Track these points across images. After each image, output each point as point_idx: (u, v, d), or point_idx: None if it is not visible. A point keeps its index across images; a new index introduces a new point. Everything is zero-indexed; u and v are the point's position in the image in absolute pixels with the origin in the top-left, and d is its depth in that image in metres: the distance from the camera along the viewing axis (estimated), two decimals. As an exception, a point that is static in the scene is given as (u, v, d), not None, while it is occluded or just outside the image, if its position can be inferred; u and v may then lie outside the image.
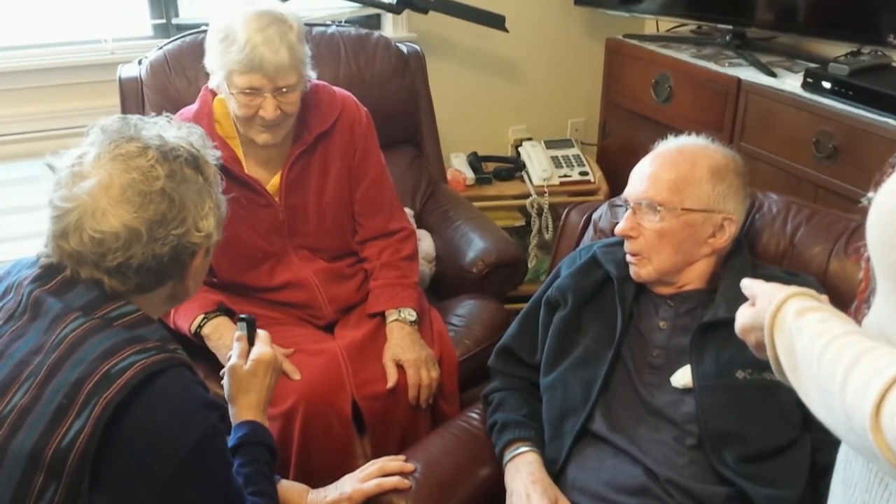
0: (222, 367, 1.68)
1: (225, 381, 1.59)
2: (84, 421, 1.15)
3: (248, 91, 1.92)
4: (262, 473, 1.48)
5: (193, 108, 2.10)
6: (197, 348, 1.97)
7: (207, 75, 2.42)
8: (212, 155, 1.41)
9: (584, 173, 3.27)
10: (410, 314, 2.12)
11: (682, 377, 1.62)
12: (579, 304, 1.78)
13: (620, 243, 1.77)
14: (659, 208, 1.68)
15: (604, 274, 1.79)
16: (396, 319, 2.11)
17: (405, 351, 2.04)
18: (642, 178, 1.72)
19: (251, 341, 1.62)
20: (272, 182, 2.10)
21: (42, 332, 1.24)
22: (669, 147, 1.76)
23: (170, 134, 1.35)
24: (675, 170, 1.70)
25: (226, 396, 1.57)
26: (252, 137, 2.01)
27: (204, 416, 1.25)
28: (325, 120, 2.10)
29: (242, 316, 1.64)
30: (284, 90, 1.93)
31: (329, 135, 2.12)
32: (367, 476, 1.68)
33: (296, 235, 2.15)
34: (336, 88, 2.19)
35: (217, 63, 1.96)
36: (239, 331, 1.63)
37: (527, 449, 1.71)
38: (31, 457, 1.15)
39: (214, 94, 2.08)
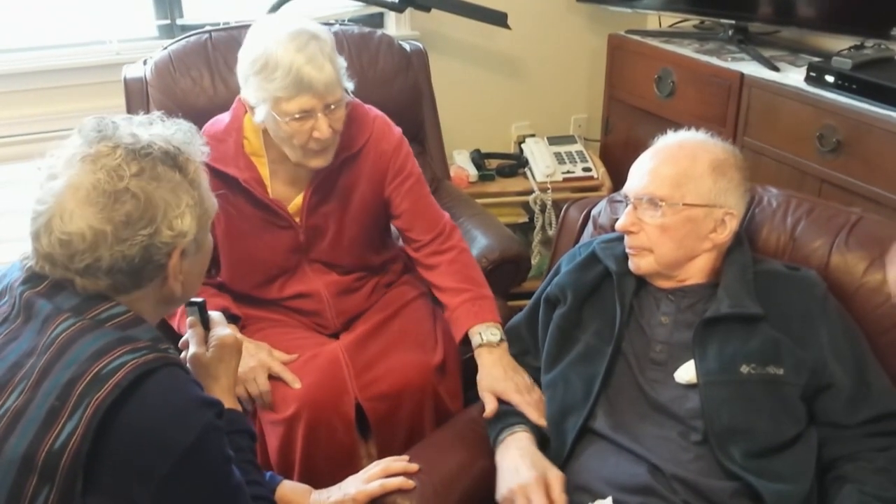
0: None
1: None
2: (76, 422, 1.14)
3: (299, 116, 1.81)
4: (247, 461, 1.47)
5: (225, 120, 2.02)
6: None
7: (211, 74, 2.45)
8: (199, 152, 1.36)
9: (588, 169, 3.27)
10: (494, 334, 1.94)
11: (686, 373, 1.62)
12: (579, 300, 1.78)
13: (620, 238, 1.77)
14: (660, 203, 1.67)
15: (603, 269, 1.79)
16: (482, 344, 1.94)
17: (498, 381, 1.85)
18: (643, 173, 1.72)
19: (205, 325, 1.57)
20: (295, 201, 2.03)
21: (35, 333, 1.23)
22: (669, 142, 1.76)
23: (149, 131, 1.31)
24: (676, 165, 1.69)
25: None
26: (305, 164, 1.92)
27: (200, 414, 1.23)
28: (353, 143, 2.01)
29: (192, 300, 1.54)
30: (333, 107, 1.84)
31: (357, 157, 2.02)
32: (370, 477, 1.66)
33: (312, 251, 2.10)
34: (368, 107, 2.09)
35: (259, 95, 1.84)
36: (190, 315, 1.56)
37: (520, 430, 1.72)
38: (24, 460, 1.14)
39: (246, 109, 1.97)
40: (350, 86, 1.95)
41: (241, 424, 1.52)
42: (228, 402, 1.52)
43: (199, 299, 1.56)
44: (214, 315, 1.59)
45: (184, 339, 1.57)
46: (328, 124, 1.84)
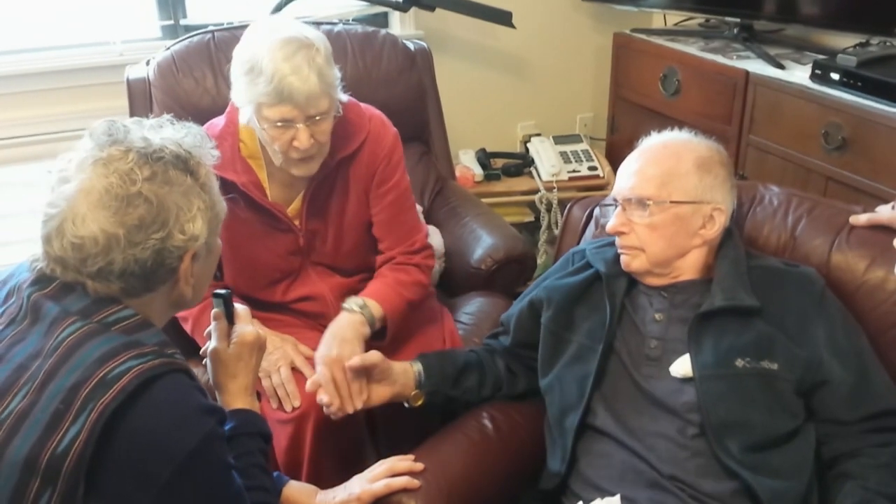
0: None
1: (208, 366, 1.54)
2: (80, 427, 1.14)
3: (279, 124, 1.81)
4: (255, 465, 1.46)
5: (220, 124, 2.01)
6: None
7: (214, 75, 2.45)
8: (209, 155, 1.37)
9: (593, 168, 3.28)
10: (371, 310, 1.95)
11: (682, 367, 1.62)
12: (570, 303, 1.79)
13: (610, 243, 1.79)
14: (648, 203, 1.68)
15: (594, 273, 1.80)
16: (350, 310, 1.95)
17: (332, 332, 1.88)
18: (629, 174, 1.73)
19: (230, 319, 1.55)
20: (294, 205, 2.03)
21: (41, 336, 1.24)
22: (654, 142, 1.78)
23: (160, 135, 1.32)
24: (661, 164, 1.71)
25: (211, 382, 1.54)
26: (288, 170, 1.92)
27: (202, 421, 1.23)
28: (349, 144, 2.00)
29: (218, 291, 1.54)
30: (317, 118, 1.82)
31: (353, 159, 2.02)
32: (375, 476, 1.65)
33: (314, 254, 2.10)
34: (365, 107, 2.07)
35: (244, 97, 1.84)
36: (216, 308, 1.53)
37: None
38: (27, 463, 1.14)
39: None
40: (343, 97, 1.92)
41: (253, 426, 1.51)
42: (244, 402, 1.52)
43: (225, 291, 1.55)
44: (240, 309, 1.58)
45: (207, 330, 1.57)
46: (309, 135, 1.82)
